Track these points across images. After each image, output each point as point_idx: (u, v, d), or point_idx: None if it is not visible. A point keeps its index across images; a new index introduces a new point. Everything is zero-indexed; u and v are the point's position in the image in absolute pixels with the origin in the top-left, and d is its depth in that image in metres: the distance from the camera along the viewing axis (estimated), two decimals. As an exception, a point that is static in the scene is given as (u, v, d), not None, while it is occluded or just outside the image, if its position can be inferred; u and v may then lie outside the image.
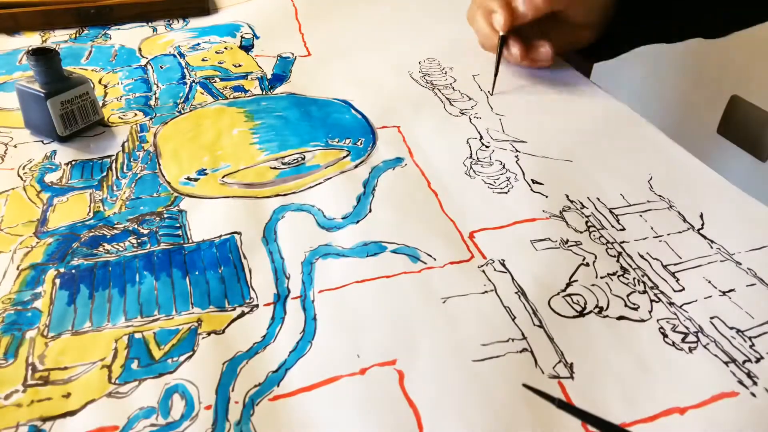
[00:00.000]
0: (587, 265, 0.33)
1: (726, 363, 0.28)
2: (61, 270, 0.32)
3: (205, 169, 0.41)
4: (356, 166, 0.41)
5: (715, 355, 0.28)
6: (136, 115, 0.47)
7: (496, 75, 0.50)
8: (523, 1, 0.47)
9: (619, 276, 0.33)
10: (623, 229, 0.36)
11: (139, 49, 0.58)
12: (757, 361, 0.28)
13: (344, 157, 0.42)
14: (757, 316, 0.30)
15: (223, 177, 0.40)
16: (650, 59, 0.99)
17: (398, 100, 0.49)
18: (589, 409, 0.26)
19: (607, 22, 0.50)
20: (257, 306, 0.31)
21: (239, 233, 0.35)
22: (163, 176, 0.40)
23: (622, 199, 0.38)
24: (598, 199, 0.38)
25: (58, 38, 0.60)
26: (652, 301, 0.31)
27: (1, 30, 0.60)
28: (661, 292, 0.32)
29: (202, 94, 0.50)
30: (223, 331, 0.29)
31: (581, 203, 0.38)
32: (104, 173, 0.40)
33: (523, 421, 0.26)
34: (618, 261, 0.34)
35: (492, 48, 0.52)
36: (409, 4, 0.68)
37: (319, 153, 0.42)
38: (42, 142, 0.43)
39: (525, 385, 0.26)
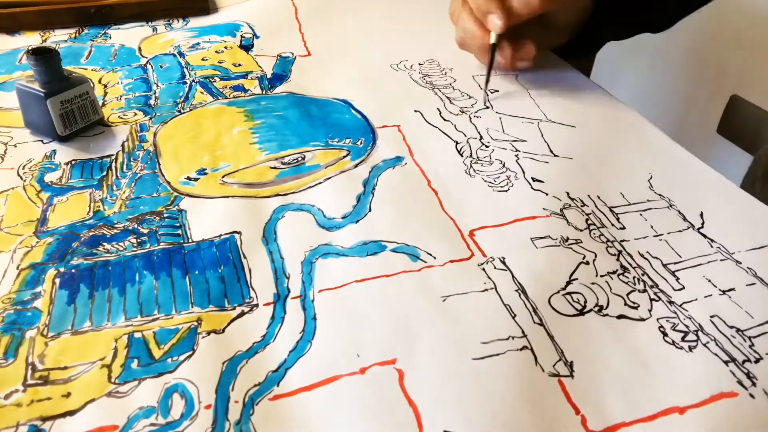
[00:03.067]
0: (587, 263, 0.33)
1: (726, 362, 0.28)
2: (61, 269, 0.32)
3: (205, 169, 0.41)
4: (356, 166, 0.41)
5: (715, 354, 0.28)
6: (135, 114, 0.47)
7: (488, 80, 0.49)
8: (519, 1, 0.46)
9: (619, 274, 0.33)
10: (623, 228, 0.36)
11: (139, 49, 0.58)
12: (757, 361, 0.28)
13: (344, 157, 0.42)
14: (757, 316, 0.30)
15: (222, 177, 0.40)
16: (650, 59, 0.99)
17: (398, 100, 0.49)
18: (589, 409, 0.26)
19: (581, 23, 0.51)
20: (257, 305, 0.31)
21: (239, 233, 0.35)
22: (163, 176, 0.40)
23: (622, 197, 0.38)
24: (599, 197, 0.38)
25: (58, 38, 0.60)
26: (651, 299, 0.31)
27: (1, 29, 0.60)
28: (661, 291, 0.32)
29: (202, 93, 0.50)
30: (223, 331, 0.29)
31: (582, 201, 0.38)
32: (104, 173, 0.40)
33: (524, 419, 0.26)
34: (618, 259, 0.34)
35: (476, 49, 0.51)
36: (408, 4, 0.68)
37: (319, 153, 0.42)
38: (42, 141, 0.43)
39: None
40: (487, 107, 0.48)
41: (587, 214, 0.37)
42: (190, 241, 0.34)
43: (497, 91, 0.51)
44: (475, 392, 0.26)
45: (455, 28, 0.53)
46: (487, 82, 0.49)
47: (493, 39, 0.48)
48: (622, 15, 0.51)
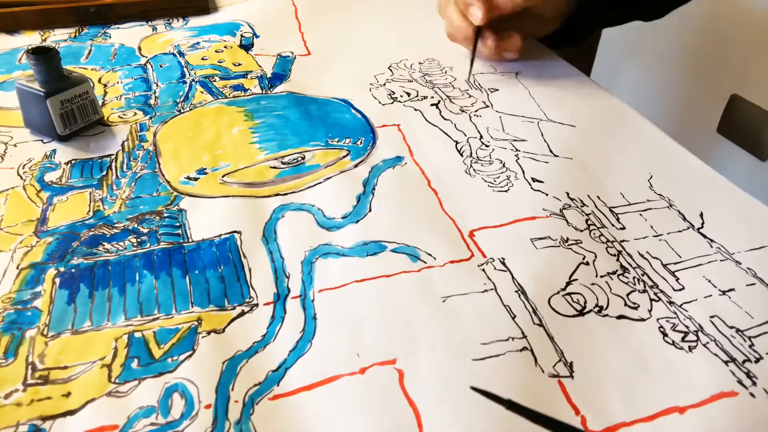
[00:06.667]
0: (587, 263, 0.33)
1: (726, 362, 0.28)
2: (61, 269, 0.32)
3: (205, 169, 0.41)
4: (356, 166, 0.41)
5: (715, 355, 0.28)
6: (135, 114, 0.47)
7: (472, 65, 0.52)
8: None
9: (619, 275, 0.33)
10: (623, 228, 0.36)
11: (139, 48, 0.58)
12: (757, 361, 0.28)
13: (344, 157, 0.42)
14: (757, 316, 0.30)
15: (222, 176, 0.40)
16: (650, 58, 0.99)
17: (398, 99, 0.49)
18: (589, 409, 0.26)
19: (568, 13, 0.52)
20: (257, 305, 0.31)
21: (239, 232, 0.35)
22: (163, 175, 0.40)
23: (622, 197, 0.38)
24: (599, 197, 0.38)
25: (58, 37, 0.60)
26: (651, 300, 0.31)
27: (1, 29, 0.60)
28: (661, 291, 0.32)
29: (202, 93, 0.50)
30: (223, 330, 0.29)
31: (581, 201, 0.38)
32: (104, 172, 0.40)
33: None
34: (618, 260, 0.34)
35: (462, 40, 0.53)
36: (408, 4, 0.68)
37: (318, 153, 0.42)
38: (42, 141, 0.43)
39: (473, 388, 0.26)
40: (469, 86, 0.51)
41: (587, 215, 0.37)
42: (190, 240, 0.34)
43: (497, 90, 0.51)
44: (475, 393, 0.26)
45: (444, 20, 0.55)
46: (471, 66, 0.52)
47: (476, 25, 0.50)
48: (613, 2, 0.52)
